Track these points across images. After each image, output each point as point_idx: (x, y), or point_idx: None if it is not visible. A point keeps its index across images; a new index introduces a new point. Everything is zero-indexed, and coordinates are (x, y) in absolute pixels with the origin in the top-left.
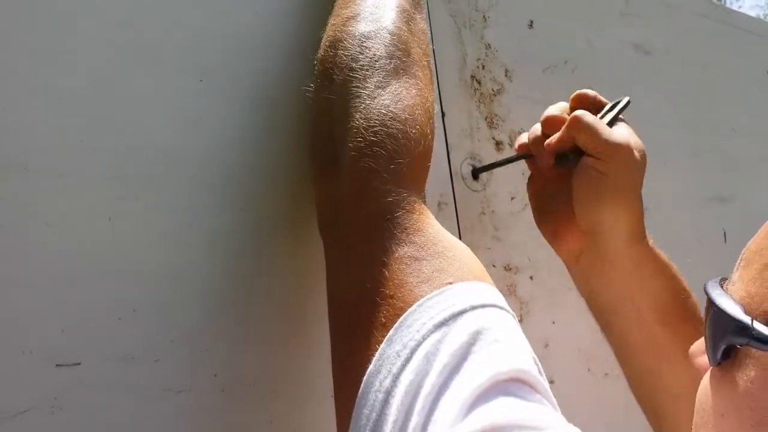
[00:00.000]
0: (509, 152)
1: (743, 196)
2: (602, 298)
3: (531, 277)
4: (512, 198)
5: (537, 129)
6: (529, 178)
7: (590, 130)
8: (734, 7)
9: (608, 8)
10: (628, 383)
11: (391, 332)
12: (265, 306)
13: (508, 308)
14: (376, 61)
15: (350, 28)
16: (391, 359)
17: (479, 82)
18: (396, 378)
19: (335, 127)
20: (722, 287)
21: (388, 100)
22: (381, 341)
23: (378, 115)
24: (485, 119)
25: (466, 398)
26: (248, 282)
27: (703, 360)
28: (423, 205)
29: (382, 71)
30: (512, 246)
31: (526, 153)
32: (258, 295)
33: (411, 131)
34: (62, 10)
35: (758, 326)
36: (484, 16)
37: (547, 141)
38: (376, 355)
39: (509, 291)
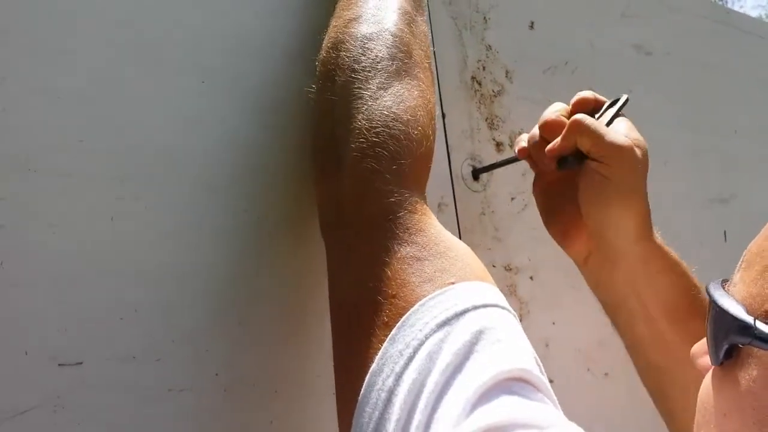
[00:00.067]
0: (509, 153)
1: (743, 197)
2: (611, 296)
3: (531, 278)
4: (512, 198)
5: (536, 133)
6: (534, 179)
7: (592, 134)
8: (736, 7)
9: (609, 9)
10: (640, 378)
11: (393, 331)
12: (267, 306)
13: (510, 308)
14: (378, 62)
15: (352, 30)
16: (394, 358)
17: (480, 84)
18: (399, 377)
19: (337, 127)
20: (724, 288)
21: (390, 101)
22: (383, 340)
23: (380, 116)
24: (486, 120)
25: (469, 397)
26: (249, 282)
27: (705, 361)
28: (425, 206)
29: (384, 73)
30: (512, 246)
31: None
32: (259, 295)
33: (413, 132)
34: (62, 10)
35: (760, 326)
36: (484, 18)
37: (548, 147)
38: (379, 353)
39: (509, 291)
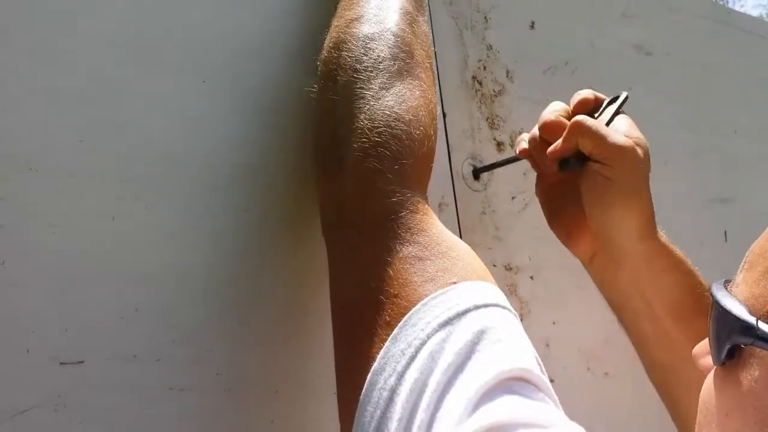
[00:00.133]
0: (510, 153)
1: (744, 197)
2: (617, 295)
3: (531, 277)
4: (513, 198)
5: (537, 133)
6: (537, 179)
7: (593, 135)
8: (737, 7)
9: (609, 9)
10: (647, 375)
11: (395, 331)
12: (268, 306)
13: (511, 308)
14: (380, 62)
15: (354, 30)
16: (396, 357)
17: (480, 83)
18: (401, 376)
19: (339, 127)
20: (726, 289)
21: (392, 101)
22: (385, 340)
23: (382, 116)
24: (486, 120)
25: (471, 396)
26: (251, 282)
27: (707, 361)
28: (426, 206)
29: (386, 73)
30: (513, 246)
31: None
32: (260, 294)
33: (415, 132)
34: (62, 10)
35: (763, 326)
36: (485, 17)
37: (550, 149)
38: (381, 352)
39: (510, 291)
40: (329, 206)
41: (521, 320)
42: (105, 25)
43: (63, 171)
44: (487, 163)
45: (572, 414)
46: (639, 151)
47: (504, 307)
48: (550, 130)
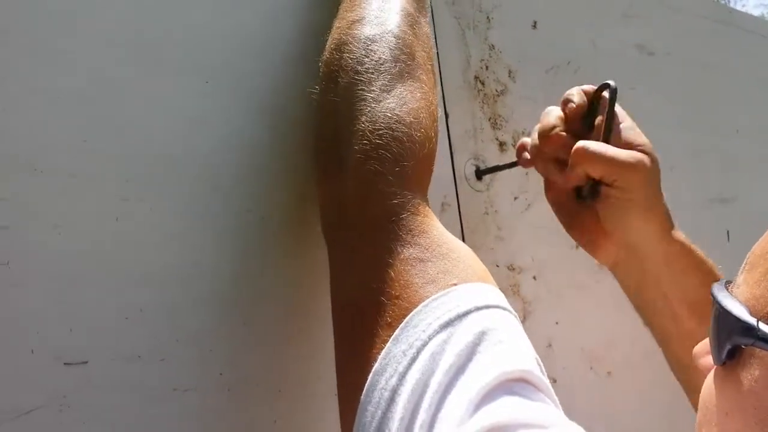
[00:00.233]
0: (512, 153)
1: (745, 197)
2: (642, 297)
3: (534, 277)
4: (515, 198)
5: (537, 142)
6: (545, 187)
7: (600, 160)
8: (738, 6)
9: (611, 9)
10: (673, 374)
11: (397, 332)
12: (270, 306)
13: (511, 309)
14: (381, 64)
15: (355, 32)
16: (398, 358)
17: (483, 83)
18: (402, 376)
19: (340, 129)
20: (727, 290)
21: (393, 103)
22: (386, 341)
23: (383, 118)
24: (489, 120)
25: (472, 397)
26: (253, 282)
27: (707, 360)
28: (427, 208)
29: (387, 74)
30: (515, 246)
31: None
32: (263, 295)
33: (416, 134)
34: (62, 10)
35: (763, 327)
36: (487, 17)
37: (561, 182)
38: (382, 353)
39: (512, 291)
40: (330, 207)
41: (524, 320)
42: (105, 25)
43: (64, 171)
44: (490, 162)
45: (575, 413)
46: (648, 161)
47: (504, 309)
48: (549, 144)
